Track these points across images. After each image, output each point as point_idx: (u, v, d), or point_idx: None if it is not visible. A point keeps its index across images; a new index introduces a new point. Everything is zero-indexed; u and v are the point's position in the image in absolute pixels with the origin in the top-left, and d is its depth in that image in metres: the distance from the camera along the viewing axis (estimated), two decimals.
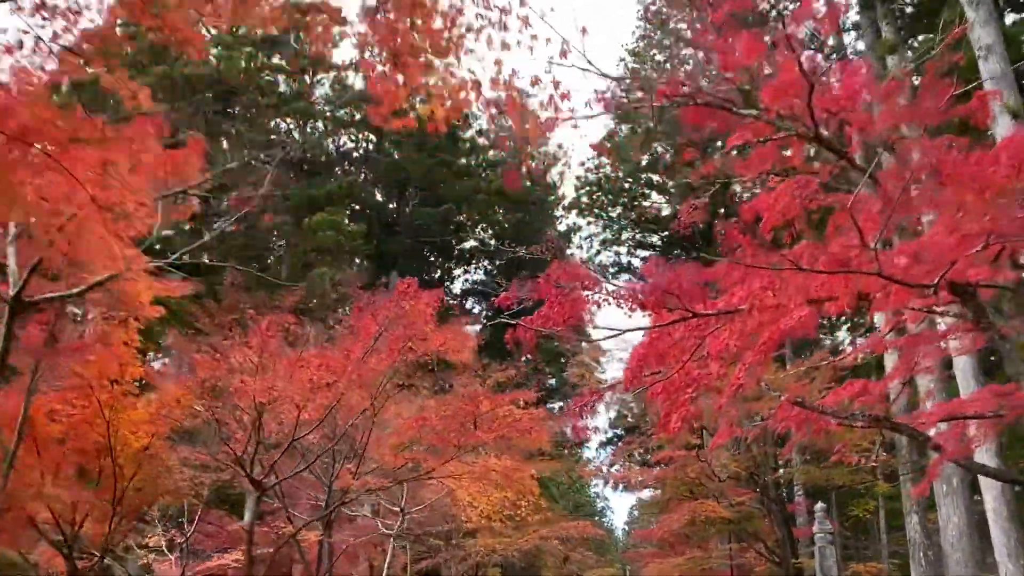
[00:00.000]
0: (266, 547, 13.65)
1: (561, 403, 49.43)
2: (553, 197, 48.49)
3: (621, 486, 57.93)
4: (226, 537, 16.15)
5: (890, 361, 19.43)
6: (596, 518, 67.28)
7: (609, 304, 7.92)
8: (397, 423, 11.41)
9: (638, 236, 43.53)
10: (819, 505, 16.82)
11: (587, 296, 8.03)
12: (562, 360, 43.08)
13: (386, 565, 16.04)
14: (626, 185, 40.68)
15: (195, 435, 13.21)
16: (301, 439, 11.26)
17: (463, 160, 38.85)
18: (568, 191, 67.41)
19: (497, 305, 8.59)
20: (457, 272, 47.75)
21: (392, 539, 16.11)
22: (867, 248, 6.45)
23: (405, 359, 10.76)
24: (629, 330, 8.22)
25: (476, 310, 49.74)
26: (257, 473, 11.55)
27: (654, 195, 44.38)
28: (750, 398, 12.09)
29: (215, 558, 15.83)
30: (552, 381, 49.16)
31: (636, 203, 41.60)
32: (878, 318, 17.76)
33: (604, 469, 58.87)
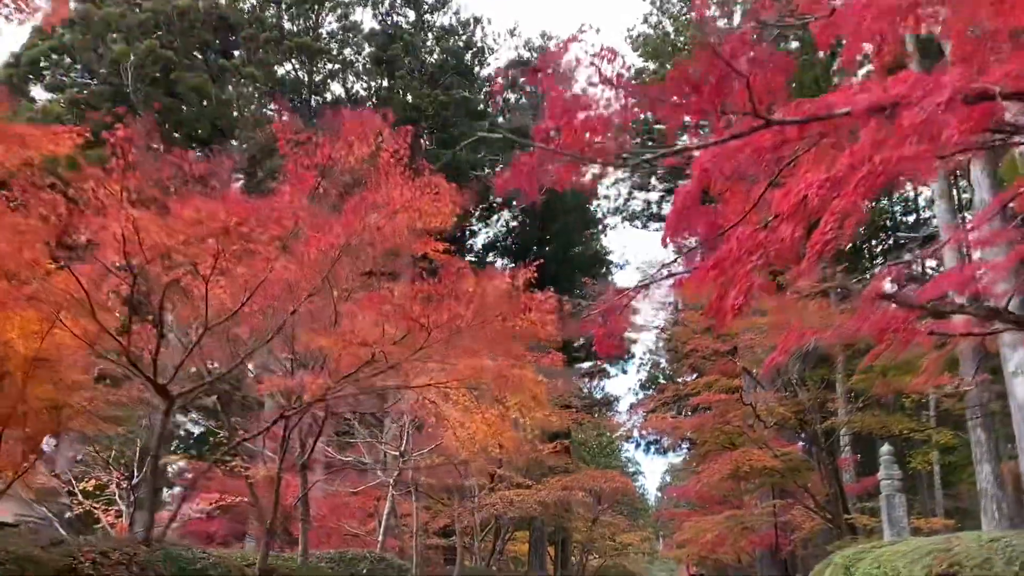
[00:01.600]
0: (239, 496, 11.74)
1: (591, 363, 47.43)
2: None
3: (653, 448, 56.05)
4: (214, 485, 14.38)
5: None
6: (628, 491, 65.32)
7: None
8: (362, 323, 8.96)
9: (669, 183, 41.02)
10: (886, 448, 14.62)
11: None
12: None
13: (384, 515, 14.24)
14: (652, 120, 37.97)
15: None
16: (219, 328, 8.84)
17: (480, 100, 36.51)
18: None
19: None
20: (478, 227, 45.59)
21: (391, 487, 14.29)
22: None
23: (366, 238, 8.36)
24: (675, 150, 6.05)
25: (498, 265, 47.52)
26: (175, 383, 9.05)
27: (685, 137, 41.80)
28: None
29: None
30: (579, 340, 47.08)
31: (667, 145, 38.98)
32: None
33: (635, 432, 56.95)
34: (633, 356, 52.69)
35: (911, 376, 20.54)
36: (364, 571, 11.21)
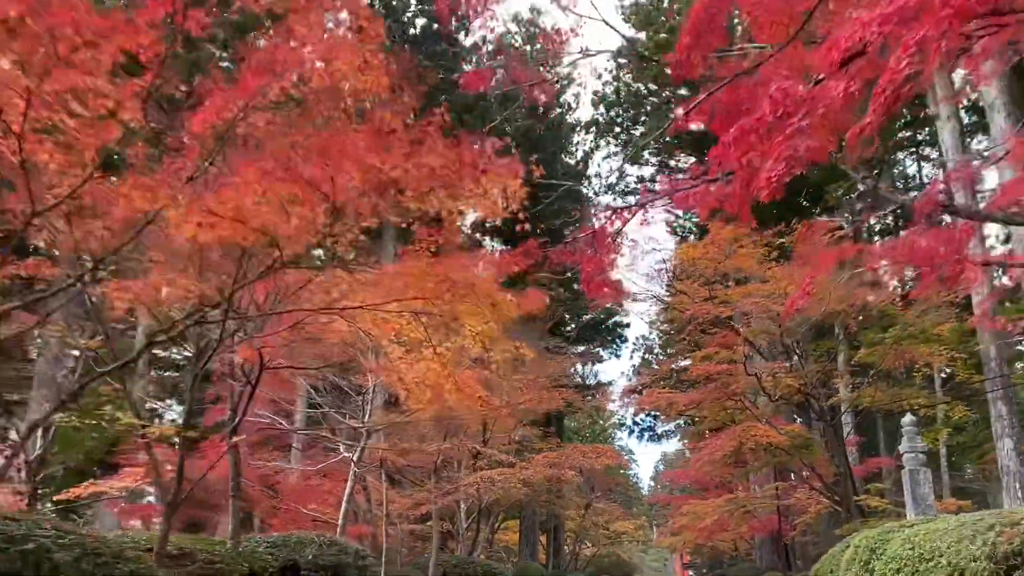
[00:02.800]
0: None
1: (584, 347, 45.99)
2: (570, 120, 44.47)
3: (647, 436, 54.85)
4: None
5: None
6: (621, 472, 64.30)
7: None
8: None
9: (664, 158, 39.50)
10: (908, 418, 13.14)
11: None
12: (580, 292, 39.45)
13: (345, 496, 12.71)
14: (646, 91, 36.53)
15: None
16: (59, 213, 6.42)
17: (465, 68, 34.81)
18: (584, 115, 62.64)
19: None
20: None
21: (352, 464, 12.73)
22: None
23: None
24: None
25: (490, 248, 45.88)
26: None
27: (680, 110, 40.39)
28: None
29: None
30: (571, 325, 45.64)
31: (660, 115, 37.46)
32: None
33: (628, 418, 55.56)
34: (626, 340, 51.41)
35: (928, 346, 19.20)
36: (310, 556, 9.72)
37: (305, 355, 9.72)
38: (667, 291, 20.85)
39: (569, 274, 43.42)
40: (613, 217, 6.60)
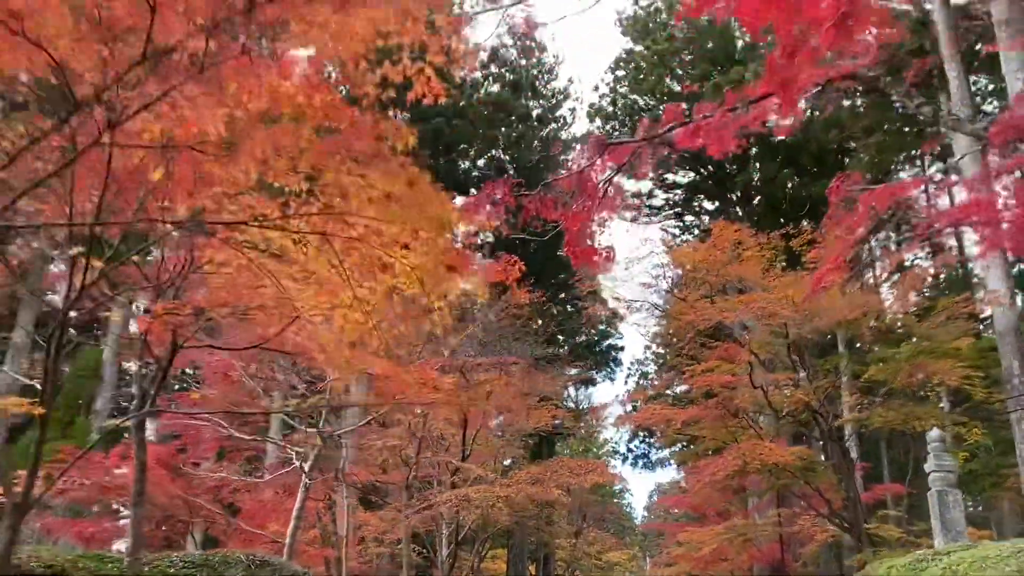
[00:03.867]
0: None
1: (577, 369, 44.50)
2: (564, 135, 43.42)
3: (641, 463, 53.22)
4: None
5: None
6: (615, 500, 62.47)
7: None
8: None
9: (662, 172, 38.35)
10: (934, 433, 11.74)
11: None
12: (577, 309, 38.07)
13: (294, 513, 11.16)
14: (643, 103, 35.51)
15: None
16: None
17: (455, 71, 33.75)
18: (579, 130, 61.86)
19: None
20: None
21: (304, 476, 11.18)
22: None
23: None
24: None
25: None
26: None
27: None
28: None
29: None
30: (564, 346, 44.18)
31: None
32: None
33: (623, 446, 54.03)
34: (620, 364, 50.09)
35: (944, 362, 17.80)
36: None
37: (242, 337, 8.28)
38: (665, 298, 19.54)
39: (563, 293, 42.09)
40: (603, 157, 5.26)
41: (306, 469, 11.30)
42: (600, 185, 5.37)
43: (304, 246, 4.85)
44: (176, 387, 19.50)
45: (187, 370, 19.24)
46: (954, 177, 16.86)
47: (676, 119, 5.19)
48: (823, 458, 20.49)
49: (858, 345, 22.20)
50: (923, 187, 14.99)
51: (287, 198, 4.64)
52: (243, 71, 4.28)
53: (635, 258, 24.39)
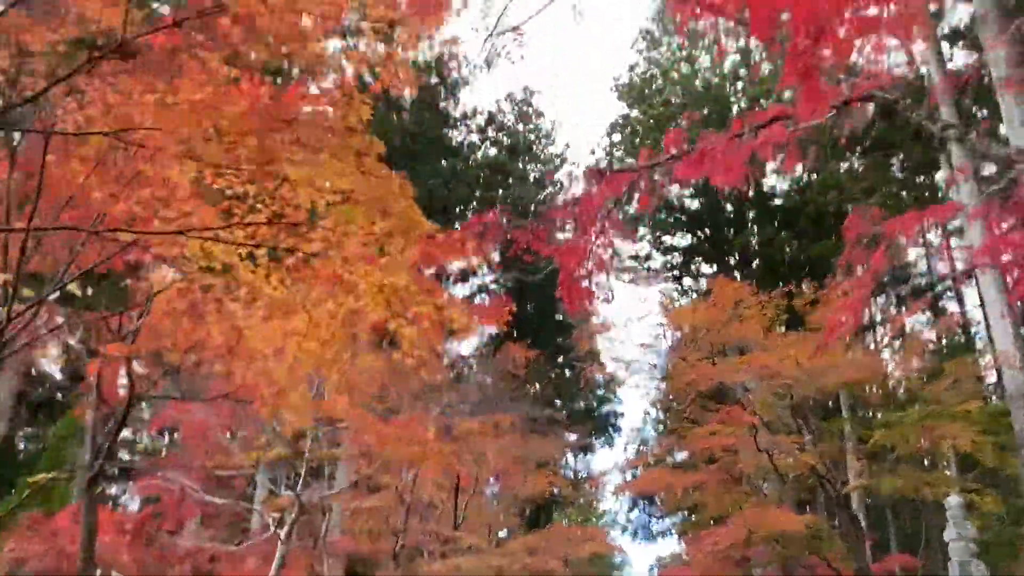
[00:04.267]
0: None
1: (575, 436, 43.54)
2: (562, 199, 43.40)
3: (641, 534, 51.77)
4: None
5: None
6: (615, 573, 60.42)
7: None
8: None
9: (659, 234, 38.19)
10: (953, 499, 11.13)
11: None
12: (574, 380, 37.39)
13: (272, 570, 10.38)
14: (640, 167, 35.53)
15: None
16: None
17: (452, 134, 33.97)
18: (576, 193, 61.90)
19: None
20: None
21: (280, 542, 10.39)
22: None
23: None
24: None
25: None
26: None
27: (676, 187, 39.51)
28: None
29: None
30: (561, 408, 43.31)
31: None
32: None
33: (622, 517, 52.64)
34: (620, 430, 49.17)
35: (956, 425, 17.17)
36: None
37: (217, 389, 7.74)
38: (665, 359, 19.02)
39: (561, 356, 41.42)
40: (603, 185, 4.87)
41: (281, 537, 10.58)
42: (598, 217, 4.98)
43: (252, 261, 4.34)
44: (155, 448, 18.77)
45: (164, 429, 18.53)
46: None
47: (677, 146, 4.81)
48: (829, 526, 19.66)
49: (860, 413, 21.61)
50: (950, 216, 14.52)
51: (228, 202, 4.16)
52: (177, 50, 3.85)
53: (633, 318, 23.89)
